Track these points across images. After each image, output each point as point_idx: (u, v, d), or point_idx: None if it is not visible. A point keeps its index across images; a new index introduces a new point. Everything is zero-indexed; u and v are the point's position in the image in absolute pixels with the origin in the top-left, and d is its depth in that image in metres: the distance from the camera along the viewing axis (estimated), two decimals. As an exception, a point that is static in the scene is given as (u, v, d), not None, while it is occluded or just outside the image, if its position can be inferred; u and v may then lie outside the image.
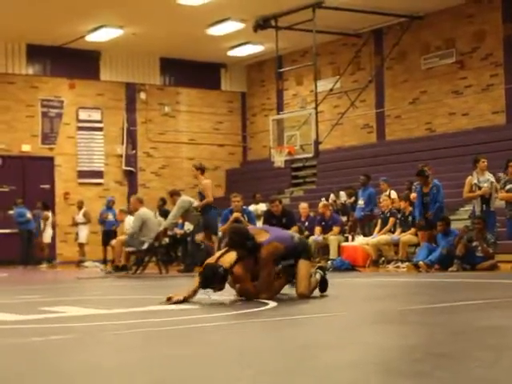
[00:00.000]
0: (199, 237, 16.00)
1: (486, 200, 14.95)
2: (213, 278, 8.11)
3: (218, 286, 8.20)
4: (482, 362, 4.28)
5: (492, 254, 14.48)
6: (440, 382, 3.79)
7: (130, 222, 17.77)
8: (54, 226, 24.22)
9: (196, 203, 16.55)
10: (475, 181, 15.14)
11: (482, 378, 3.86)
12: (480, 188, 15.03)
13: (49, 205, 24.29)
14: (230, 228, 8.92)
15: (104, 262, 22.39)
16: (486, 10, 21.91)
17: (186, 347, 5.19)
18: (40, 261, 23.50)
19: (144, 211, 16.44)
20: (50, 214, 23.92)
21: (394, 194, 17.97)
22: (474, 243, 14.40)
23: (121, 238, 16.27)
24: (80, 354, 5.03)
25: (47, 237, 23.88)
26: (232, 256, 8.24)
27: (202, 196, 16.29)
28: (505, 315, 6.71)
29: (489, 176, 15.15)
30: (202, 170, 16.60)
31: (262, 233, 8.56)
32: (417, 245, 16.22)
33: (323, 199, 19.47)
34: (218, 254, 8.55)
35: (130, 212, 18.51)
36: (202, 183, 16.39)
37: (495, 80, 21.75)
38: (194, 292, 8.23)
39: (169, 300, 8.06)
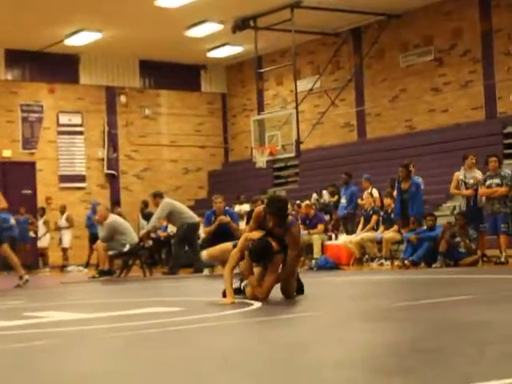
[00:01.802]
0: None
1: (473, 196, 15.04)
2: (265, 253, 8.23)
3: (264, 261, 8.30)
4: (467, 357, 4.32)
5: (474, 249, 14.56)
6: (426, 378, 3.82)
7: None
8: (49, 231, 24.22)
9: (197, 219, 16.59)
10: (461, 177, 15.22)
11: (467, 373, 3.89)
12: (466, 184, 15.12)
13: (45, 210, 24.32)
14: (273, 196, 9.00)
15: (87, 265, 22.35)
16: (464, 7, 22.01)
17: (171, 349, 5.19)
18: (30, 266, 23.51)
19: (112, 219, 16.36)
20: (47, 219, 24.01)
21: (375, 193, 18.02)
22: (457, 239, 14.48)
23: (103, 243, 16.23)
24: (65, 359, 5.03)
25: (46, 241, 23.88)
26: (258, 234, 8.31)
27: None
28: (488, 310, 6.76)
29: (476, 173, 15.23)
30: None
31: None
32: (399, 242, 16.28)
33: (298, 201, 19.45)
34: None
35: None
36: None
37: (474, 76, 21.86)
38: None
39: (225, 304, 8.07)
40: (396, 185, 16.08)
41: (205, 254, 9.02)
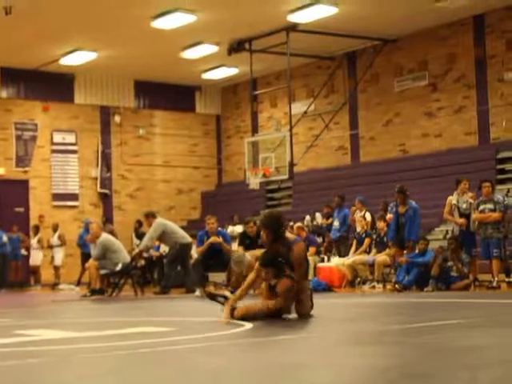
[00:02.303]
0: None
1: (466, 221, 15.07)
2: (274, 258, 8.39)
3: (272, 271, 8.41)
4: (459, 382, 4.32)
5: (466, 273, 14.58)
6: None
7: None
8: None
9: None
10: (454, 201, 15.25)
11: (457, 396, 3.89)
12: (459, 208, 15.15)
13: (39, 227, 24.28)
14: (266, 212, 9.20)
15: (78, 283, 22.32)
16: (458, 33, 22.15)
17: (161, 370, 5.18)
18: (22, 284, 23.49)
19: (105, 237, 16.36)
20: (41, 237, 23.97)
21: (368, 216, 18.02)
22: (449, 263, 14.50)
23: (95, 262, 16.20)
24: (55, 377, 5.02)
25: (38, 259, 23.82)
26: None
27: None
28: (479, 334, 6.76)
29: (468, 198, 15.27)
30: None
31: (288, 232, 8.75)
32: (392, 265, 16.29)
33: (291, 222, 19.47)
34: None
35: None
36: None
37: (467, 102, 21.97)
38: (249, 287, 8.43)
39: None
40: (393, 208, 16.05)
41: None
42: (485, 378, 4.46)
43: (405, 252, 15.46)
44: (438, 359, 5.31)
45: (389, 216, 16.25)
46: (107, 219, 25.22)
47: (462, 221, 15.09)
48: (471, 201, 15.20)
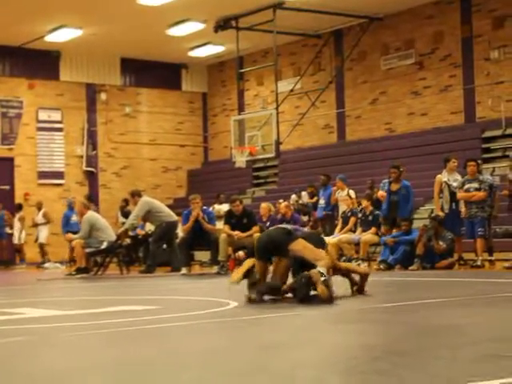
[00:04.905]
0: None
1: (455, 199, 15.03)
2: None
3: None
4: (442, 359, 4.35)
5: (447, 249, 14.57)
6: (399, 380, 3.84)
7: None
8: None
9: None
10: (445, 179, 15.17)
11: (439, 375, 3.92)
12: (449, 186, 15.09)
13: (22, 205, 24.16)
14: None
15: (70, 261, 22.39)
16: (445, 12, 22.12)
17: (146, 348, 5.19)
18: (7, 262, 23.43)
19: (90, 214, 16.38)
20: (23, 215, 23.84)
21: (352, 194, 18.04)
22: (432, 242, 14.55)
23: (80, 240, 16.18)
24: (39, 355, 5.02)
25: (22, 238, 23.72)
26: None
27: None
28: (461, 313, 6.81)
29: (457, 176, 15.26)
30: None
31: None
32: (377, 244, 16.33)
33: (281, 200, 19.50)
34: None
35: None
36: None
37: (453, 81, 21.97)
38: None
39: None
40: (385, 185, 15.95)
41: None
42: (466, 355, 4.49)
43: (394, 231, 15.46)
44: (422, 337, 5.34)
45: (380, 193, 16.09)
46: (89, 198, 25.04)
47: (442, 214, 15.06)
48: (460, 179, 15.14)
